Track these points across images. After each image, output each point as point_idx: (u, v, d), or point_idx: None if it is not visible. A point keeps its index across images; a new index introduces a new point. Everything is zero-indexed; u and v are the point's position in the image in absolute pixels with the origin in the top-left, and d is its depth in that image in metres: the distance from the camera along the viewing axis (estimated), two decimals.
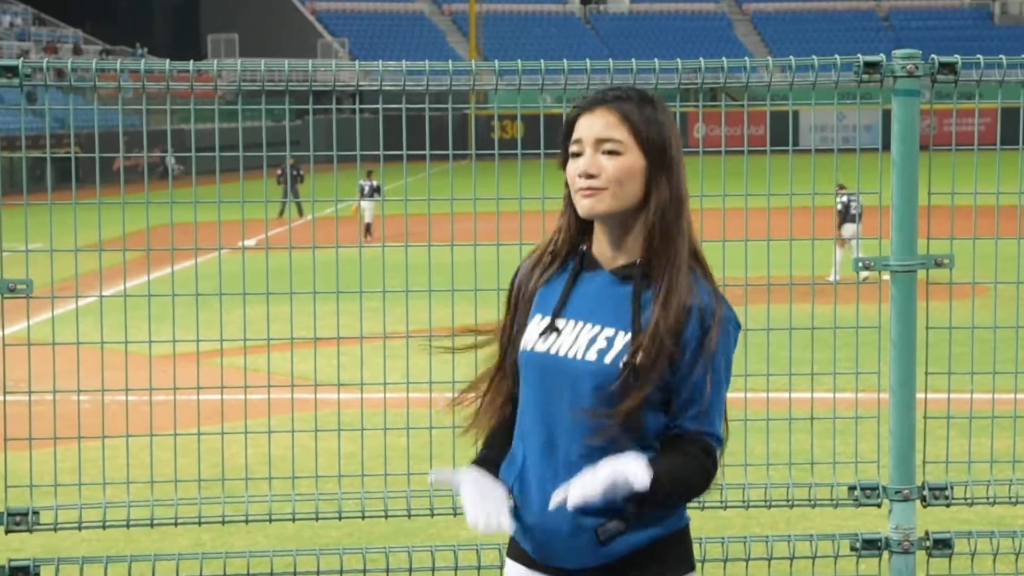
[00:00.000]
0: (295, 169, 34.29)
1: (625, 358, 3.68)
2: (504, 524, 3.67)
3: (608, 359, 3.70)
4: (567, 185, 3.84)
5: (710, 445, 3.76)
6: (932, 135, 6.36)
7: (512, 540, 3.93)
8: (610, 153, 3.73)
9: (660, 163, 3.75)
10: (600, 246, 3.83)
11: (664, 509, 3.75)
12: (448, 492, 6.16)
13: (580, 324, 3.78)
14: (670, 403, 3.74)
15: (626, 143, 3.73)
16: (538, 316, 3.85)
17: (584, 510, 3.69)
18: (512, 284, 3.99)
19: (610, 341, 3.72)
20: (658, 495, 3.65)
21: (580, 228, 3.86)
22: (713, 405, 3.75)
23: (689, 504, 5.80)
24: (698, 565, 6.10)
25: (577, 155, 3.77)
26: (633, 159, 3.73)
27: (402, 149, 6.11)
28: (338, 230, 6.09)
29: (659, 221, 3.73)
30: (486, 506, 3.69)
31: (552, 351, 3.78)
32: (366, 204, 23.98)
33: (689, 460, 3.72)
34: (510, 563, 3.94)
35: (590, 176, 3.72)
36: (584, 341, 3.75)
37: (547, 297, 3.86)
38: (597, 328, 3.75)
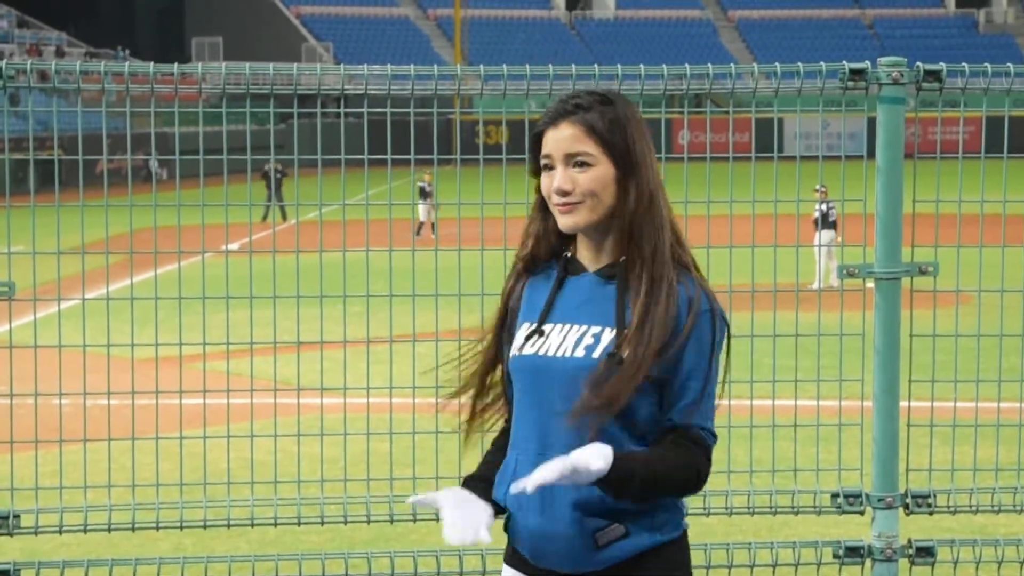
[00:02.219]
0: (279, 172, 34.25)
1: (611, 350, 3.70)
2: (482, 535, 3.66)
3: (596, 354, 3.73)
4: (538, 191, 3.89)
5: (701, 437, 3.76)
6: (917, 143, 6.36)
7: (509, 546, 3.93)
8: (580, 165, 3.78)
9: (628, 166, 3.79)
10: (582, 251, 3.88)
11: (647, 500, 3.72)
12: None
13: (568, 326, 3.81)
14: (663, 399, 3.75)
15: (595, 154, 3.77)
16: (526, 324, 3.88)
17: (583, 512, 3.72)
18: (503, 295, 4.01)
19: (597, 337, 3.76)
20: (633, 483, 3.63)
21: (560, 236, 3.90)
22: (702, 398, 3.76)
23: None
24: None
25: (548, 168, 3.83)
26: (603, 169, 3.78)
27: (387, 153, 6.10)
28: (322, 234, 6.07)
29: (634, 220, 3.78)
30: (464, 517, 3.69)
31: (541, 352, 3.81)
32: (422, 206, 24.17)
33: (675, 452, 3.71)
34: (507, 569, 3.95)
35: (565, 192, 3.77)
36: (572, 340, 3.78)
37: (534, 303, 3.90)
38: (584, 328, 3.78)
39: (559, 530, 3.75)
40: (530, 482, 3.53)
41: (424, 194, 26.53)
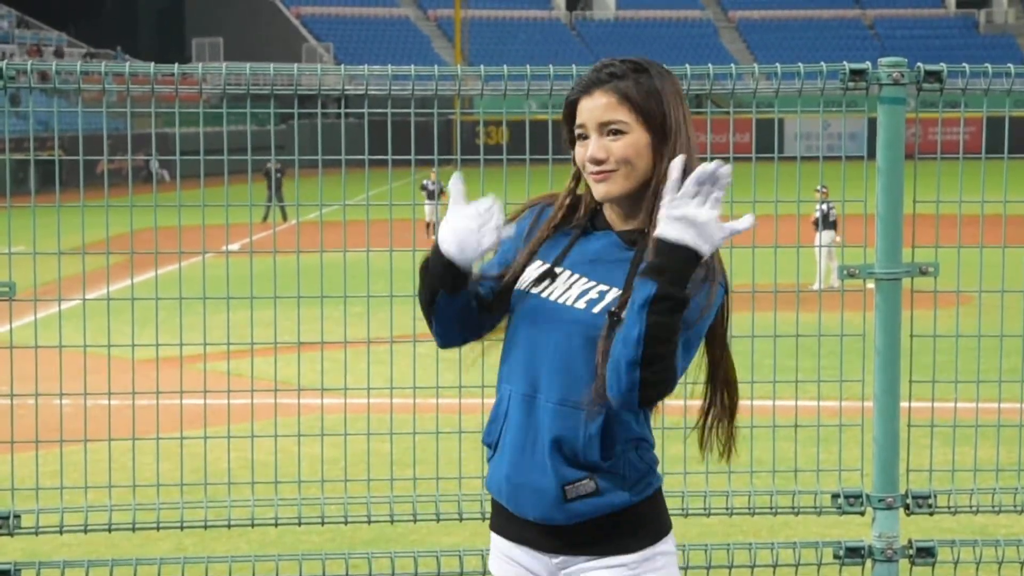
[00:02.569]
0: (279, 171, 34.24)
1: (612, 308, 3.68)
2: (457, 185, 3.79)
3: (596, 309, 3.71)
4: (575, 163, 3.86)
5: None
6: (917, 143, 6.36)
7: (493, 511, 3.93)
8: (614, 133, 3.75)
9: (663, 133, 3.75)
10: (611, 213, 3.86)
11: (659, 333, 3.55)
12: (430, 497, 6.16)
13: (576, 276, 3.79)
14: None
15: (629, 122, 3.74)
16: (539, 261, 3.85)
17: (557, 460, 3.71)
18: (533, 210, 3.97)
19: (602, 294, 3.74)
20: (681, 295, 3.54)
21: (592, 203, 3.87)
22: (682, 350, 3.68)
23: (672, 509, 5.81)
24: (681, 572, 6.10)
25: (583, 137, 3.80)
26: (638, 136, 3.74)
27: (387, 154, 6.10)
28: (323, 235, 6.07)
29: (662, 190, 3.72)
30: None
31: (544, 295, 3.80)
32: (429, 205, 24.22)
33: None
34: (493, 537, 3.95)
35: (599, 161, 3.75)
36: (576, 291, 3.77)
37: (553, 245, 3.88)
38: (592, 284, 3.77)
39: (532, 477, 3.75)
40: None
41: (429, 193, 26.54)
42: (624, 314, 3.61)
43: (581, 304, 3.73)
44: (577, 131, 3.81)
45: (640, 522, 3.80)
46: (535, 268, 3.85)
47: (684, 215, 3.56)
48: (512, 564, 3.89)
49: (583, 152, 3.79)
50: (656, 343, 3.54)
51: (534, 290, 3.82)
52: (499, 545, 3.93)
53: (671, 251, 3.55)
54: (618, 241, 3.81)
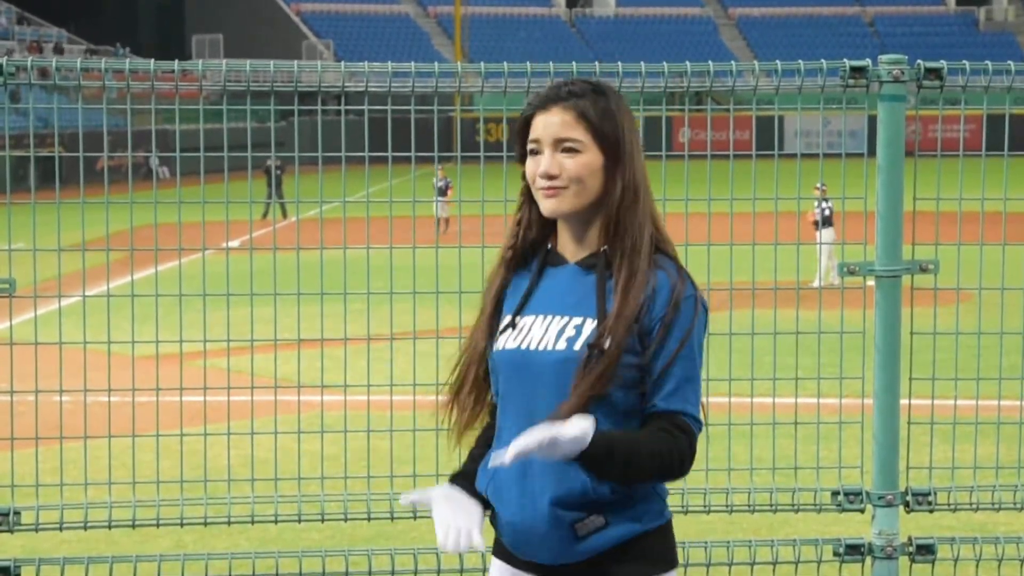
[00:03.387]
0: (279, 168, 34.22)
1: (592, 341, 3.69)
2: (475, 541, 3.67)
3: (577, 346, 3.71)
4: (524, 178, 3.86)
5: (685, 424, 3.73)
6: (917, 141, 6.36)
7: (497, 538, 3.92)
8: (568, 151, 3.75)
9: (616, 156, 3.76)
10: (563, 241, 3.86)
11: (630, 482, 3.68)
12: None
13: (549, 317, 3.79)
14: (646, 386, 3.73)
15: (584, 141, 3.74)
16: (508, 316, 3.86)
17: (562, 505, 3.70)
18: (492, 288, 3.97)
19: (578, 329, 3.74)
20: (614, 461, 3.58)
21: (543, 224, 3.87)
22: (686, 384, 3.74)
23: (672, 506, 5.81)
24: (681, 569, 6.09)
25: (535, 152, 3.80)
26: (592, 156, 3.75)
27: (387, 151, 6.09)
28: (323, 231, 6.07)
29: (617, 211, 3.76)
30: (457, 522, 3.69)
31: (523, 346, 3.79)
32: (438, 202, 24.31)
33: (658, 435, 3.67)
34: (495, 561, 3.94)
35: (551, 176, 3.74)
36: (554, 333, 3.76)
37: (514, 296, 3.88)
38: (566, 319, 3.76)
39: (537, 523, 3.74)
40: (508, 454, 3.48)
41: (438, 190, 26.59)
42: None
43: (562, 344, 3.73)
44: (530, 146, 3.81)
45: (650, 552, 3.79)
46: (504, 324, 3.85)
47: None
48: None
49: (534, 167, 3.78)
50: (640, 476, 3.69)
51: (511, 345, 3.81)
52: (502, 569, 3.91)
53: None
54: (578, 270, 3.81)
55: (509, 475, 3.77)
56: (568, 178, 3.73)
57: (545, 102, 3.79)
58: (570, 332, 3.74)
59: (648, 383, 3.73)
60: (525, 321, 3.81)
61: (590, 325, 3.72)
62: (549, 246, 3.88)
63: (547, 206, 3.77)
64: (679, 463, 3.70)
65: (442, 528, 3.68)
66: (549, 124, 3.76)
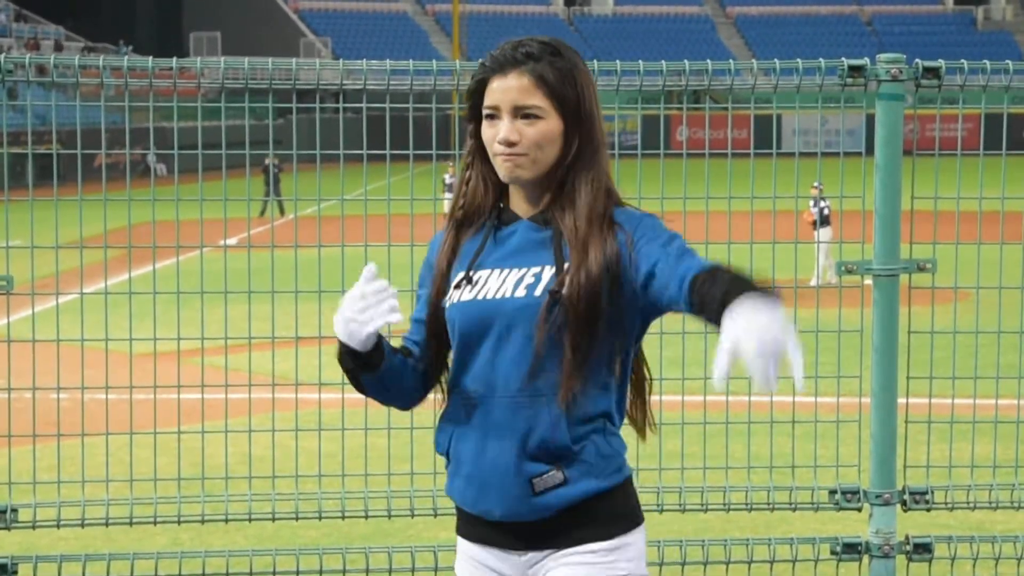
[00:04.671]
0: (276, 167, 34.22)
1: (551, 287, 3.61)
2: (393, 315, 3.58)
3: (538, 291, 3.63)
4: (472, 136, 3.76)
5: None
6: (915, 140, 6.36)
7: (458, 516, 3.83)
8: (528, 117, 3.65)
9: (577, 120, 3.68)
10: (516, 200, 3.77)
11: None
12: (428, 492, 6.15)
13: (505, 270, 3.70)
14: (659, 287, 3.56)
15: (544, 107, 3.65)
16: (460, 272, 3.76)
17: (520, 456, 3.62)
18: (428, 261, 3.89)
19: (538, 276, 3.65)
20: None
21: (497, 184, 3.78)
22: (687, 248, 3.58)
23: (669, 504, 5.81)
24: (678, 568, 6.10)
25: (493, 118, 3.69)
26: (552, 123, 3.66)
27: (385, 149, 6.09)
28: (321, 229, 6.07)
29: (573, 170, 3.68)
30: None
31: (480, 297, 3.70)
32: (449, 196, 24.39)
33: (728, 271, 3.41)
34: (460, 541, 3.84)
35: (511, 144, 3.65)
36: (512, 282, 3.67)
37: (467, 252, 3.78)
38: (524, 270, 3.67)
39: (495, 474, 3.65)
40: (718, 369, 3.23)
41: (448, 187, 26.63)
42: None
43: (521, 292, 3.64)
44: (486, 111, 3.69)
45: (611, 509, 3.69)
46: (458, 279, 3.76)
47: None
48: (479, 567, 3.77)
49: (492, 133, 3.67)
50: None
51: (466, 297, 3.71)
52: (465, 549, 3.82)
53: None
54: (532, 225, 3.72)
55: (471, 429, 3.70)
56: (527, 145, 3.64)
57: (501, 65, 3.67)
58: (529, 280, 3.65)
59: (660, 282, 3.53)
60: (480, 275, 3.72)
61: (549, 272, 3.63)
62: (501, 205, 3.79)
63: (506, 173, 3.67)
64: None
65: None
66: (507, 90, 3.65)
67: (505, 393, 3.65)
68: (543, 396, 3.63)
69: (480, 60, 3.79)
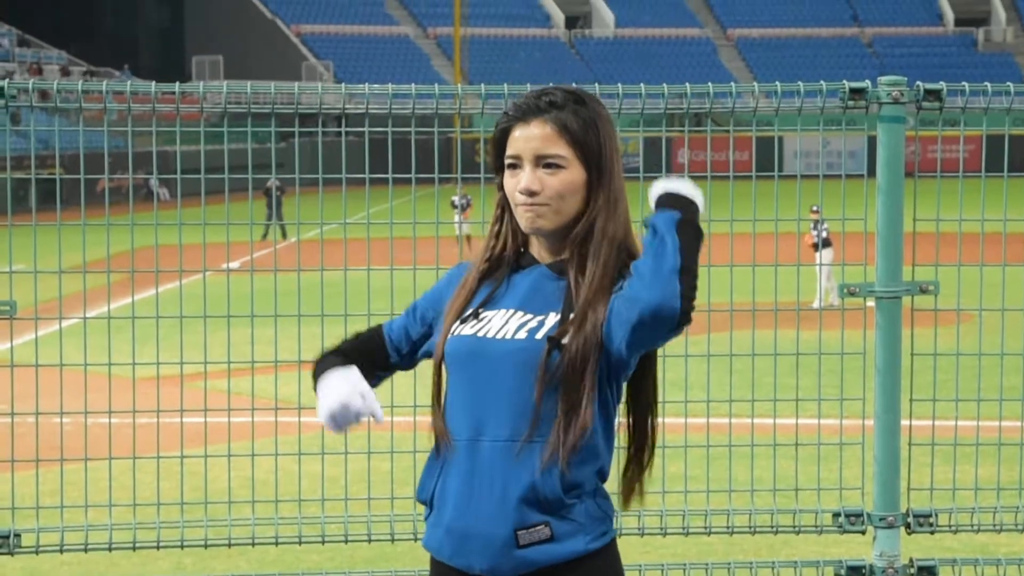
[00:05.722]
0: (279, 190, 34.28)
1: (552, 334, 3.59)
2: (376, 412, 3.68)
3: (539, 336, 3.61)
4: (500, 189, 3.74)
5: None
6: (917, 162, 6.36)
7: (432, 570, 3.78)
8: (550, 167, 3.63)
9: (599, 169, 3.66)
10: (536, 247, 3.76)
11: (694, 255, 3.47)
12: None
13: (512, 312, 3.68)
14: (616, 382, 3.65)
15: (567, 156, 3.63)
16: (470, 309, 3.75)
17: (509, 504, 3.56)
18: (440, 288, 3.90)
19: (541, 323, 3.63)
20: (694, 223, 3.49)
21: (521, 234, 3.77)
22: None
23: (672, 528, 5.79)
24: None
25: (515, 167, 3.68)
26: (574, 173, 3.64)
27: (387, 172, 6.10)
28: (323, 253, 6.07)
29: (594, 220, 3.66)
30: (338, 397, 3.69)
31: (480, 334, 3.67)
32: (460, 219, 24.39)
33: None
34: None
35: (532, 193, 3.63)
36: (514, 325, 3.65)
37: (481, 295, 3.77)
38: (529, 315, 3.66)
39: (479, 522, 3.59)
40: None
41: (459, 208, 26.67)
42: (643, 240, 3.51)
43: (522, 334, 3.62)
44: (509, 160, 3.68)
45: (595, 573, 3.63)
46: (467, 314, 3.74)
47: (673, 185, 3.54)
48: None
49: (514, 182, 3.66)
50: (689, 256, 3.43)
51: (467, 331, 3.69)
52: None
53: (675, 197, 3.51)
54: (547, 272, 3.71)
55: (456, 472, 3.66)
56: (549, 195, 3.62)
57: (524, 113, 3.65)
58: (532, 325, 3.63)
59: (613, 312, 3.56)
60: (488, 314, 3.70)
61: (553, 319, 3.62)
62: (522, 250, 3.78)
63: (527, 223, 3.66)
64: (696, 285, 3.48)
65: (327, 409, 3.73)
66: (530, 139, 3.63)
67: (496, 437, 3.61)
68: (535, 443, 3.58)
69: (504, 110, 3.76)
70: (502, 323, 3.67)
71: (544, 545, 3.58)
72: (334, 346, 3.99)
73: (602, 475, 3.70)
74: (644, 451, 3.85)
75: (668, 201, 3.53)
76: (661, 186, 3.56)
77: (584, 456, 3.62)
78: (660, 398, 3.88)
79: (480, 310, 3.72)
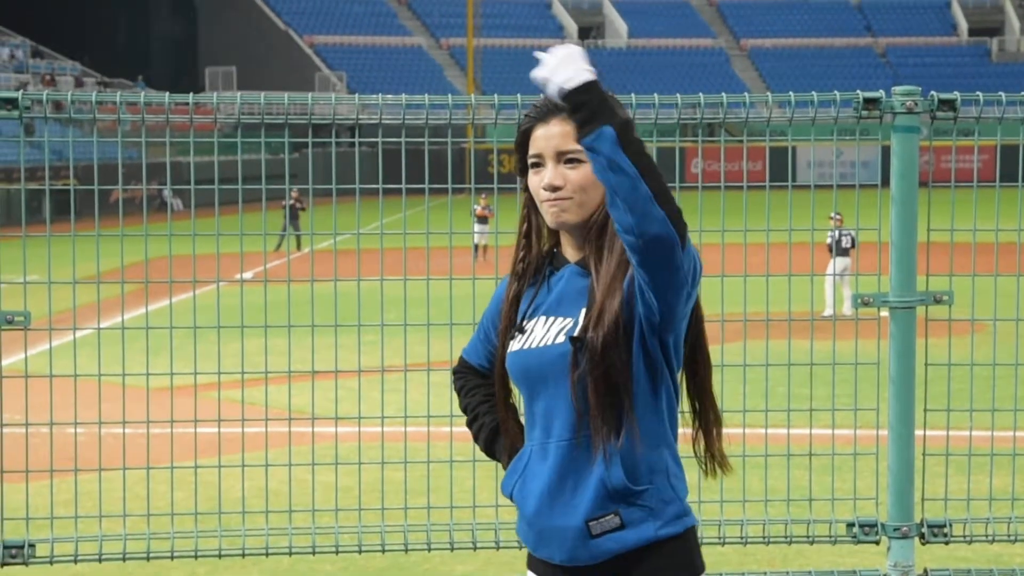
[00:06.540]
0: (298, 201, 34.30)
1: (576, 332, 3.72)
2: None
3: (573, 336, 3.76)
4: (526, 189, 3.87)
5: None
6: (931, 171, 6.36)
7: (528, 552, 3.92)
8: (571, 162, 3.76)
9: None
10: (566, 245, 3.89)
11: (637, 159, 3.50)
12: (444, 526, 6.14)
13: (552, 319, 3.82)
14: (659, 362, 3.74)
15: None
16: (518, 322, 3.91)
17: (581, 498, 3.70)
18: (507, 300, 3.99)
19: (575, 323, 3.77)
20: (612, 115, 3.51)
21: (550, 231, 3.91)
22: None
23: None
24: None
25: (538, 166, 3.81)
26: None
27: (401, 182, 6.11)
28: (337, 263, 6.08)
29: (609, 212, 3.70)
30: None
31: (527, 347, 3.83)
32: (479, 228, 24.35)
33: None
34: (529, 574, 3.95)
35: (555, 188, 3.76)
36: (554, 331, 3.79)
37: (525, 303, 3.92)
38: (566, 318, 3.79)
39: (555, 518, 3.75)
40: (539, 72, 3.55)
41: (478, 218, 26.67)
42: (601, 177, 3.53)
43: (560, 338, 3.77)
44: (531, 160, 3.82)
45: (670, 559, 3.74)
46: (515, 330, 3.92)
47: (551, 67, 3.57)
48: None
49: (538, 180, 3.79)
50: (651, 175, 3.49)
51: (515, 347, 3.86)
52: None
53: (580, 93, 3.52)
54: (577, 270, 3.84)
55: (532, 470, 3.80)
56: (572, 189, 3.75)
57: (544, 114, 3.80)
58: (568, 325, 3.77)
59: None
60: (530, 324, 3.86)
61: (584, 316, 3.75)
62: (555, 250, 3.92)
63: (552, 218, 3.79)
64: (664, 186, 3.53)
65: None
66: (550, 136, 3.78)
67: (560, 437, 3.76)
68: (589, 437, 3.72)
69: (524, 112, 3.89)
70: (544, 331, 3.82)
71: (616, 533, 3.72)
72: (477, 419, 4.13)
73: (671, 455, 3.80)
74: (708, 416, 3.96)
75: (578, 104, 3.53)
76: (555, 80, 3.55)
77: (647, 441, 3.73)
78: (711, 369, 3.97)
79: (524, 322, 3.87)
